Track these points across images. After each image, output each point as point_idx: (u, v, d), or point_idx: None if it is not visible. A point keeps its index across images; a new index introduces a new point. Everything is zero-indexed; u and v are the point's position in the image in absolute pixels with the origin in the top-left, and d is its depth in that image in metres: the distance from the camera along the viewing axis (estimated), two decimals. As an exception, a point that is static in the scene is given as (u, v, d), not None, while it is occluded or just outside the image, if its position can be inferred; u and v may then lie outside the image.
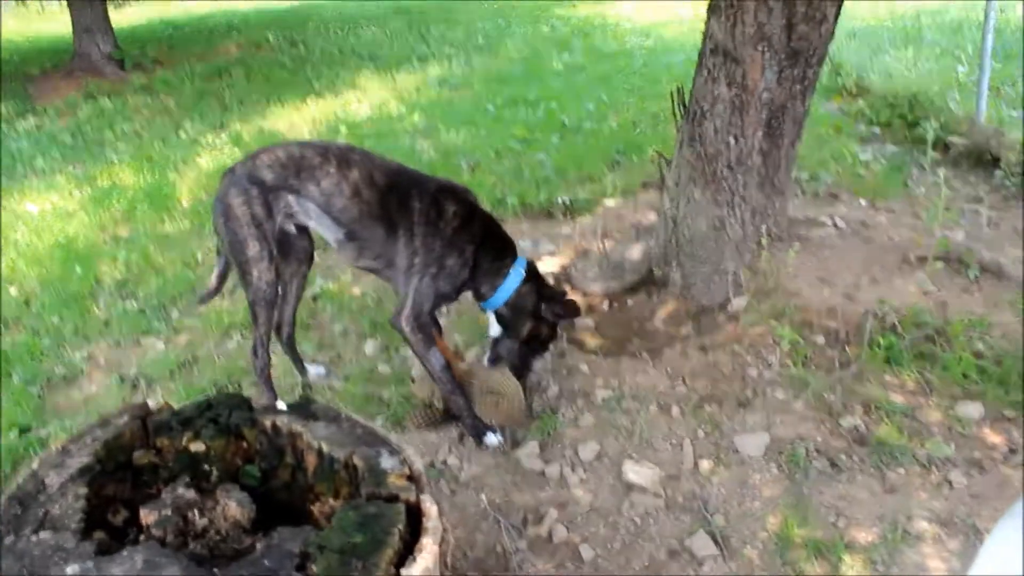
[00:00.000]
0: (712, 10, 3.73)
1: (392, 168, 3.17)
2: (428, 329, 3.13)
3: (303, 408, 1.94)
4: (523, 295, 3.21)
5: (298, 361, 3.60)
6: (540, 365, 3.53)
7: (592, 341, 4.07)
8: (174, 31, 15.58)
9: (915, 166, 5.70)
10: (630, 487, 2.80)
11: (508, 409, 3.14)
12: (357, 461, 1.72)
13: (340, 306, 4.24)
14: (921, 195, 5.12)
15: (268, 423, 1.88)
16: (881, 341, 3.28)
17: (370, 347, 3.82)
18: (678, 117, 4.26)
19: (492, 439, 3.09)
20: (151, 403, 1.96)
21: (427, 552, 1.49)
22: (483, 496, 2.81)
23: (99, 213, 6.04)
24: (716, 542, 2.53)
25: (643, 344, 3.96)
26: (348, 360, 3.77)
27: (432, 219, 3.05)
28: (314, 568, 1.43)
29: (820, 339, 3.46)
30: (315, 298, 4.40)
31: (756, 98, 3.76)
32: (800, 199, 5.11)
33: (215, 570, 1.45)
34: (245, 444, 1.91)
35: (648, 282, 4.43)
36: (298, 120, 8.43)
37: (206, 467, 1.88)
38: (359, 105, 8.85)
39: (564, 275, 4.56)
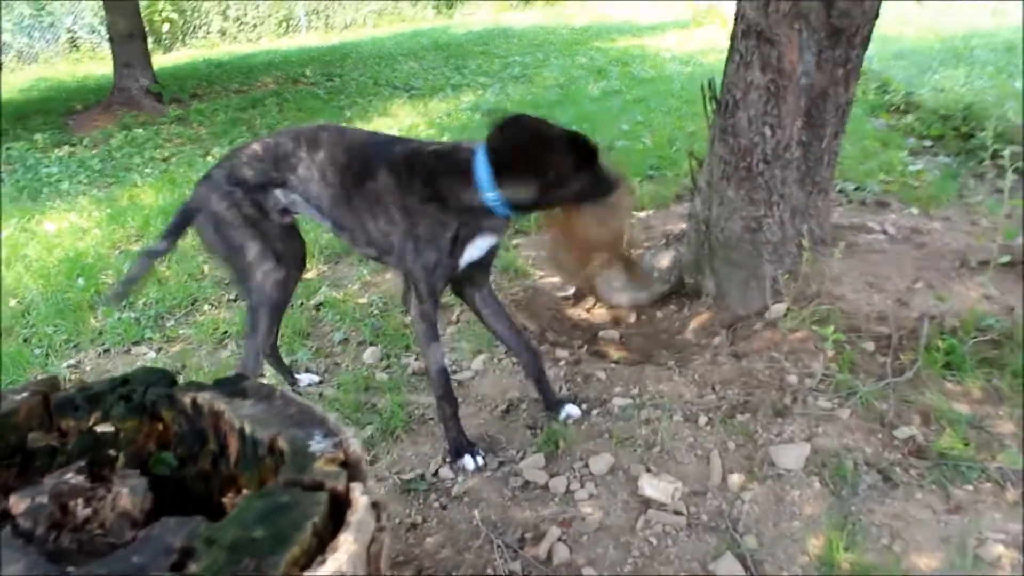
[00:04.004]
0: (743, -14, 3.41)
1: (355, 142, 2.75)
2: (432, 318, 2.68)
3: (232, 384, 1.61)
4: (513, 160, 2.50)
5: (286, 371, 3.30)
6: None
7: (616, 354, 3.71)
8: (215, 68, 15.70)
9: (971, 176, 5.28)
10: (647, 503, 2.42)
11: None
12: (282, 444, 1.38)
13: (343, 315, 3.92)
14: (978, 204, 4.69)
15: (188, 400, 1.55)
16: (940, 345, 2.87)
17: (369, 355, 3.50)
18: (709, 112, 3.93)
19: (469, 462, 2.69)
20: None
21: (342, 552, 1.14)
22: (476, 512, 2.44)
23: (113, 230, 5.86)
24: (746, 566, 2.13)
25: (670, 356, 3.60)
26: (345, 368, 3.45)
27: (384, 193, 2.60)
28: (194, 568, 1.09)
29: (869, 346, 3.06)
30: (318, 307, 4.10)
31: (794, 83, 3.41)
32: (845, 208, 4.71)
33: (69, 568, 1.12)
34: (162, 426, 1.59)
35: (679, 292, 4.06)
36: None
37: (112, 452, 1.56)
38: (389, 130, 8.64)
39: (588, 286, 4.21)
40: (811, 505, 2.33)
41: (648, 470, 2.53)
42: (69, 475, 1.42)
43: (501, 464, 2.70)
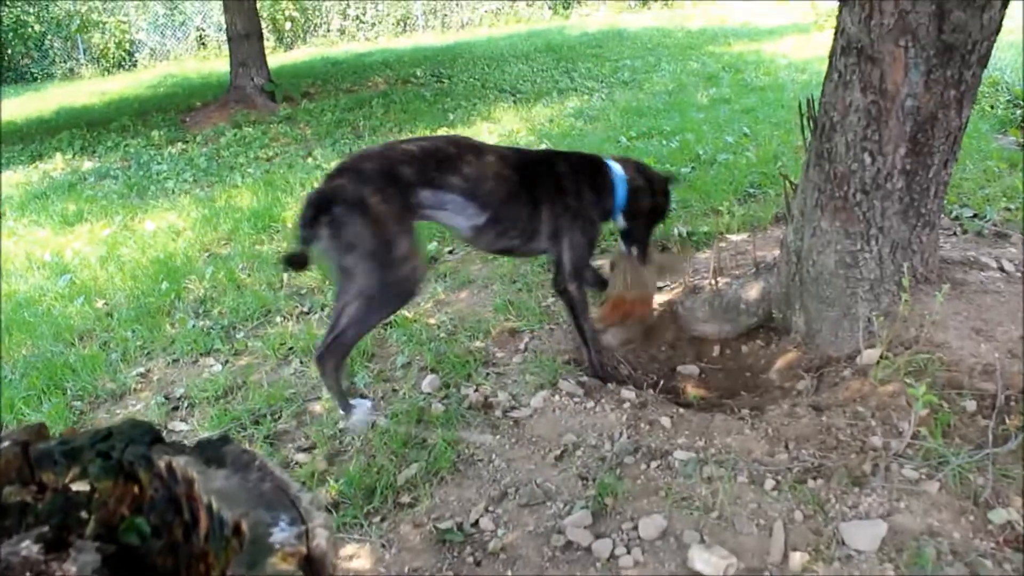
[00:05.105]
0: (845, -2, 3.11)
1: (509, 151, 3.37)
2: (585, 289, 3.41)
3: (212, 448, 1.48)
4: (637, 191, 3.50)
5: (342, 396, 3.19)
6: (615, 418, 2.98)
7: (693, 391, 3.47)
8: (331, 67, 16.00)
9: (1113, 207, 4.76)
10: (695, 578, 2.19)
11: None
12: (245, 528, 1.24)
13: (410, 336, 3.81)
14: (1120, 239, 4.21)
15: (163, 464, 1.44)
16: (1054, 411, 2.53)
17: (428, 383, 3.36)
18: (806, 133, 3.63)
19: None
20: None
21: None
22: (510, 572, 2.27)
23: (204, 232, 5.94)
24: (798, 667, 1.89)
25: (750, 399, 3.33)
26: (403, 395, 3.33)
27: (563, 185, 3.29)
28: None
29: (970, 404, 2.73)
30: (386, 326, 4.00)
31: (897, 106, 3.09)
32: (959, 239, 4.30)
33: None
34: (139, 489, 1.48)
35: (767, 326, 3.78)
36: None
37: (84, 514, 1.46)
38: (488, 135, 8.55)
39: (670, 313, 3.97)
40: (882, 597, 2.06)
41: (702, 539, 2.30)
42: (25, 543, 1.32)
43: (544, 517, 2.52)
